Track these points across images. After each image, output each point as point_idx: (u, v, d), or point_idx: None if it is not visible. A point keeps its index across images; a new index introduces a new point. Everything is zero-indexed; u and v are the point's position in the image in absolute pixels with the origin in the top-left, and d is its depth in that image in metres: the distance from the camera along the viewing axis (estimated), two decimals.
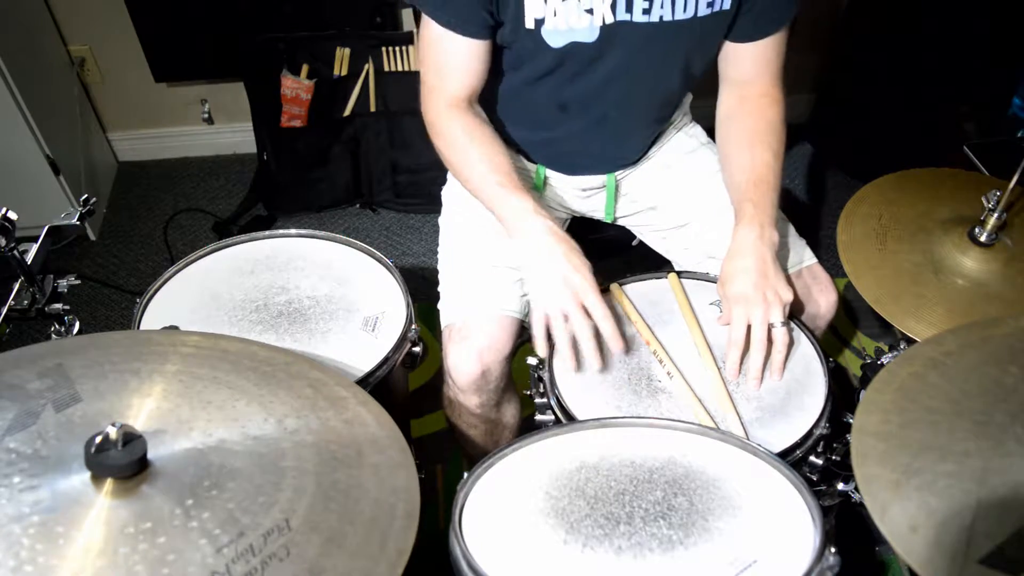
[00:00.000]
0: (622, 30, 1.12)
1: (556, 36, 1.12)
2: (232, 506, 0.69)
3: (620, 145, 1.34)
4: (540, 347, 1.11)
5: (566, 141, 1.31)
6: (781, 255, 1.27)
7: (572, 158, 1.35)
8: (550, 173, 1.37)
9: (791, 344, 1.12)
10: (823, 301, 1.28)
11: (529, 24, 1.11)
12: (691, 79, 1.26)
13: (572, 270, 1.08)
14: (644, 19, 1.11)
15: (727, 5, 1.14)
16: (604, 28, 1.11)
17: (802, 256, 1.30)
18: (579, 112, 1.25)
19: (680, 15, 1.11)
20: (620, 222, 1.47)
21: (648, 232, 1.45)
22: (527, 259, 1.14)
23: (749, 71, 1.26)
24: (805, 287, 1.27)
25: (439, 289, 1.34)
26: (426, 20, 1.15)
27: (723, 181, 1.28)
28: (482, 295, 1.26)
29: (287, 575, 0.65)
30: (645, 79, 1.21)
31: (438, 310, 1.32)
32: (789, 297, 1.12)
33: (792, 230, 1.33)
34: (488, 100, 1.27)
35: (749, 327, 1.09)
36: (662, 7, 1.10)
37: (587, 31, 1.11)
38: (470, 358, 1.21)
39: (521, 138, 1.33)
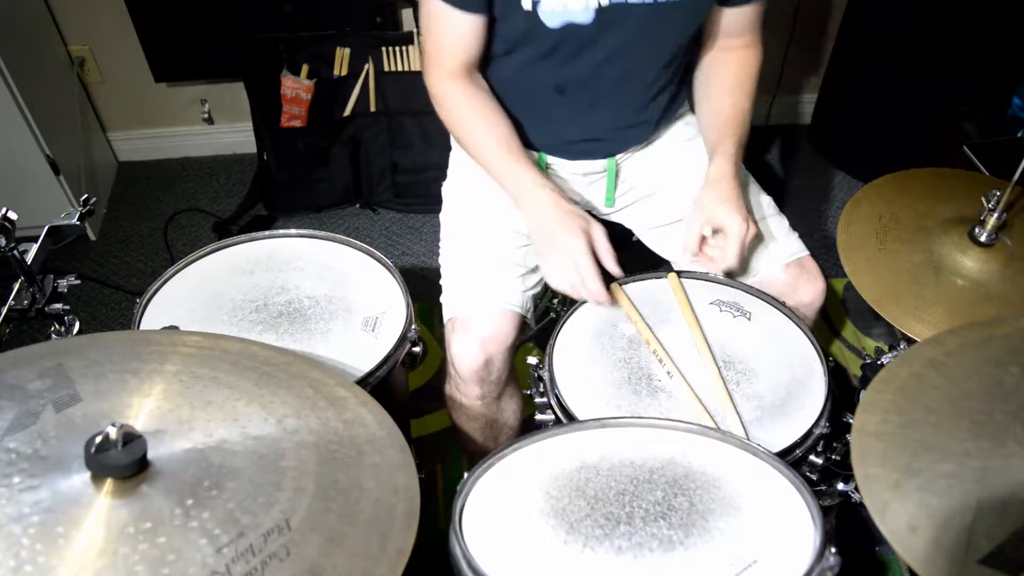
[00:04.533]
0: (618, 12, 1.13)
1: (552, 17, 1.14)
2: (232, 506, 0.69)
3: (619, 124, 1.34)
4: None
5: (565, 124, 1.32)
6: (770, 249, 1.32)
7: (572, 142, 1.36)
8: (551, 159, 1.38)
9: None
10: (811, 289, 1.30)
11: (526, 5, 1.13)
12: (686, 51, 1.30)
13: (579, 253, 1.16)
14: (640, 0, 1.13)
15: None
16: (600, 10, 1.13)
17: (795, 248, 1.32)
18: (577, 93, 1.27)
19: None
20: (618, 215, 1.47)
21: (645, 228, 1.45)
22: (535, 234, 1.22)
23: (734, 28, 1.30)
24: (794, 277, 1.29)
25: (441, 282, 1.35)
26: None
27: (698, 120, 1.36)
28: (485, 290, 1.28)
29: (287, 575, 0.65)
30: (642, 58, 1.24)
31: (440, 304, 1.32)
32: (751, 233, 1.20)
33: (786, 224, 1.35)
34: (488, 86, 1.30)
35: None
36: None
37: (582, 12, 1.13)
38: (472, 347, 1.23)
39: (521, 123, 1.34)
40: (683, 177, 1.38)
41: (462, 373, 1.25)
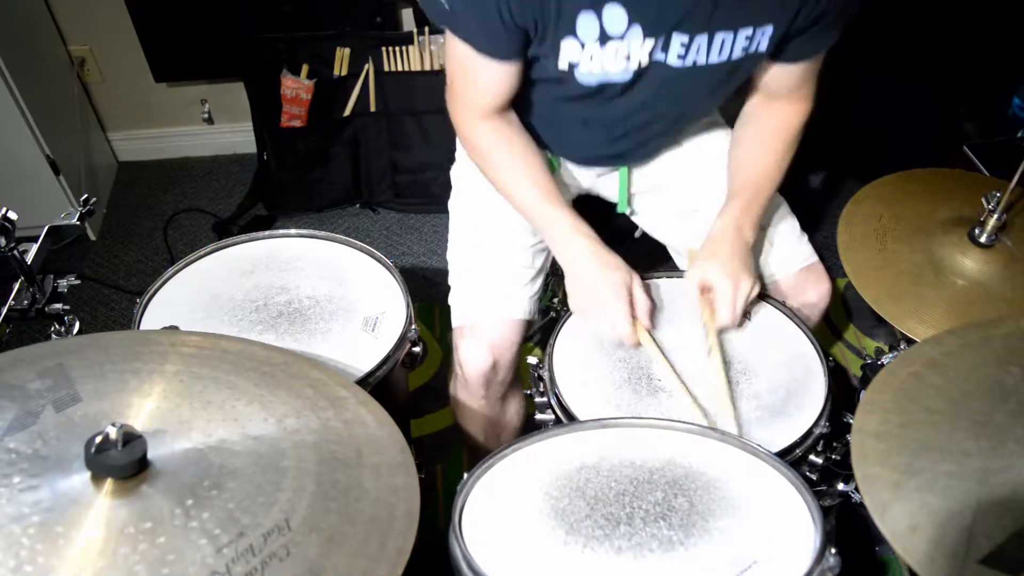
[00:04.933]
0: (656, 69, 1.09)
1: (589, 77, 1.10)
2: (232, 506, 0.69)
3: (638, 152, 1.33)
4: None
5: (584, 146, 1.31)
6: (779, 254, 1.30)
7: (589, 158, 1.35)
8: (565, 162, 1.38)
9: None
10: (817, 290, 1.30)
11: (562, 66, 1.09)
12: (723, 101, 1.26)
13: (612, 301, 1.12)
14: (679, 63, 1.08)
15: (763, 47, 1.09)
16: (639, 70, 1.09)
17: (806, 254, 1.32)
18: (601, 129, 1.25)
19: (715, 59, 1.08)
20: (629, 208, 1.46)
21: (654, 221, 1.44)
22: (572, 282, 1.18)
23: (782, 85, 1.22)
24: (802, 279, 1.29)
25: (449, 281, 1.35)
26: (454, 37, 1.11)
27: (726, 168, 1.29)
28: (493, 298, 1.29)
29: (287, 575, 0.65)
30: (672, 109, 1.21)
31: (440, 304, 1.33)
32: (754, 292, 1.16)
33: (797, 227, 1.34)
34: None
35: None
36: (697, 52, 1.07)
37: (621, 73, 1.09)
38: (481, 351, 1.24)
39: (540, 134, 1.31)
40: (696, 169, 1.36)
41: (469, 376, 1.27)
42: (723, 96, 1.21)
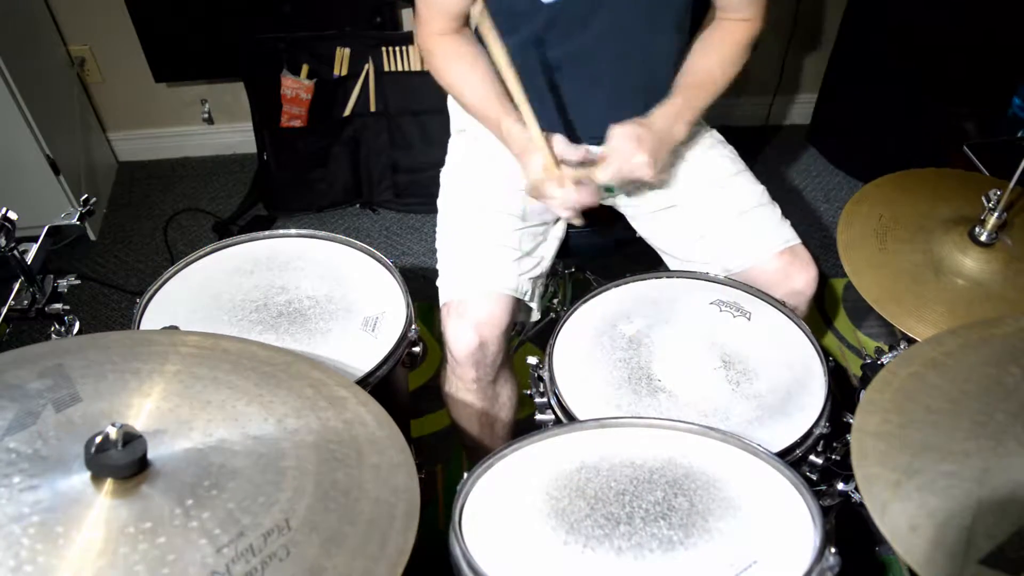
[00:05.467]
0: None
1: None
2: (232, 506, 0.69)
3: (616, 109, 1.33)
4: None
5: (565, 107, 1.33)
6: (758, 235, 1.32)
7: (572, 125, 1.36)
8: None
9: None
10: (802, 277, 1.30)
11: None
12: (682, 36, 1.32)
13: (537, 172, 1.20)
14: None
15: None
16: None
17: (787, 236, 1.33)
18: (573, 72, 1.28)
19: None
20: (610, 201, 1.46)
21: (636, 215, 1.45)
22: (521, 166, 1.25)
23: (729, 5, 1.30)
24: (786, 264, 1.30)
25: (437, 267, 1.36)
26: None
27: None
28: (479, 273, 1.29)
29: (287, 575, 0.65)
30: (637, 37, 1.25)
31: (437, 288, 1.34)
32: (643, 174, 1.20)
33: (778, 212, 1.36)
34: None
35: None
36: None
37: None
38: (467, 331, 1.25)
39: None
40: (675, 165, 1.38)
41: (457, 356, 1.27)
42: (682, 24, 1.29)
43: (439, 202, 1.44)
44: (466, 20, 1.30)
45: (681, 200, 1.38)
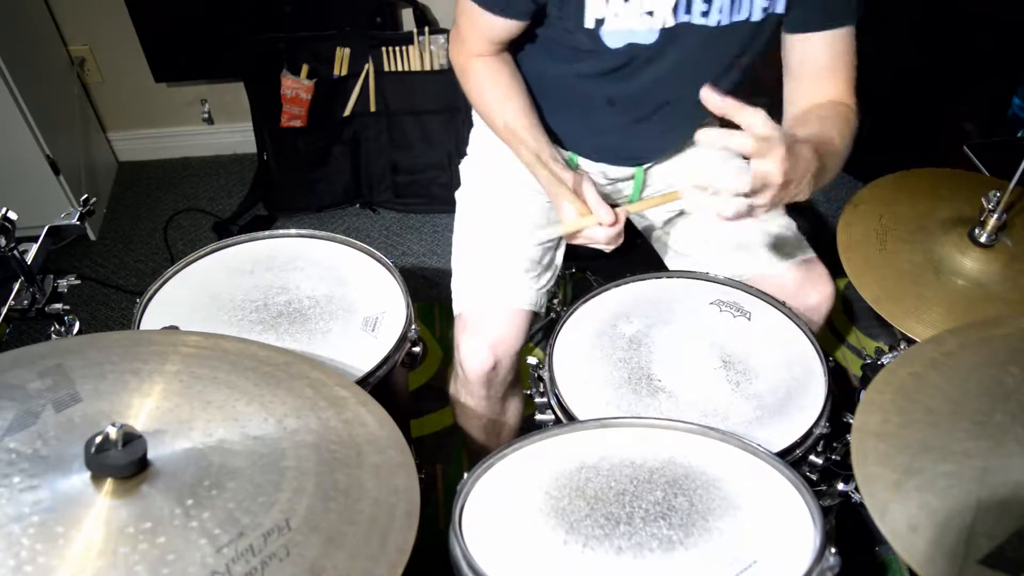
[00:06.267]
0: (681, 31, 1.11)
1: (615, 37, 1.12)
2: (232, 506, 0.69)
3: (660, 141, 1.34)
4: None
5: (609, 135, 1.31)
6: (776, 246, 1.30)
7: (611, 152, 1.35)
8: (581, 161, 1.38)
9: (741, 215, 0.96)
10: (819, 294, 1.30)
11: (589, 24, 1.11)
12: (741, 77, 1.25)
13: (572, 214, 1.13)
14: (703, 21, 1.10)
15: (780, 8, 1.11)
16: (664, 31, 1.11)
17: (803, 249, 1.32)
18: (627, 108, 1.25)
19: (737, 17, 1.11)
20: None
21: (655, 222, 1.45)
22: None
23: (806, 63, 1.17)
24: (802, 279, 1.29)
25: (452, 267, 1.35)
26: None
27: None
28: (495, 288, 1.28)
29: (287, 575, 0.65)
30: (698, 78, 1.19)
31: (441, 304, 1.33)
32: (800, 197, 1.02)
33: (794, 226, 1.35)
34: (536, 86, 1.29)
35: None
36: (720, 11, 1.09)
37: (647, 33, 1.11)
38: (482, 352, 1.23)
39: (562, 127, 1.33)
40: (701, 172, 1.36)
41: (470, 376, 1.26)
42: (739, 69, 1.21)
43: (457, 194, 1.42)
44: (507, 44, 1.25)
45: (723, 237, 1.34)
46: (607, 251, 1.15)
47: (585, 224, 1.10)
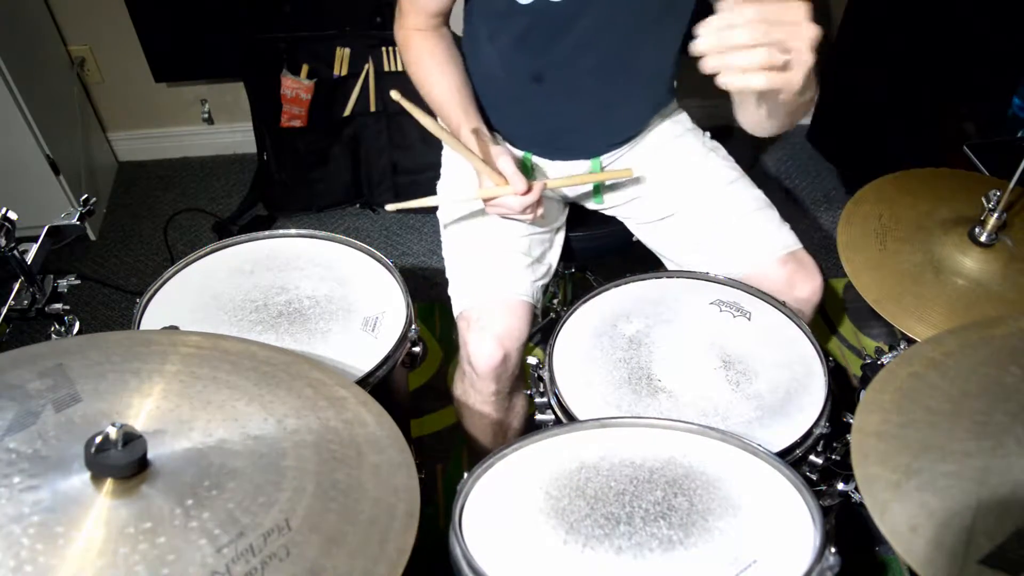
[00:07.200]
0: None
1: None
2: (232, 506, 0.69)
3: (602, 122, 1.33)
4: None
5: (548, 118, 1.32)
6: (761, 240, 1.30)
7: (557, 138, 1.35)
8: (537, 160, 1.38)
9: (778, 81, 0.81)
10: (808, 286, 1.30)
11: None
12: (672, 52, 1.25)
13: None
14: None
15: None
16: None
17: (787, 240, 1.32)
18: (555, 82, 1.26)
19: None
20: (611, 211, 1.47)
21: (638, 225, 1.46)
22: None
23: None
24: (790, 272, 1.29)
25: (447, 275, 1.35)
26: None
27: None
28: (493, 281, 1.28)
29: (287, 575, 0.65)
30: (617, 47, 1.21)
31: (441, 304, 1.33)
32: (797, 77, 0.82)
33: (777, 216, 1.35)
34: (479, 83, 1.31)
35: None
36: None
37: None
38: (491, 345, 1.23)
39: (506, 121, 1.34)
40: (670, 177, 1.38)
41: (480, 371, 1.26)
42: (669, 40, 1.22)
43: (439, 214, 1.44)
44: (446, 19, 1.30)
45: (679, 208, 1.37)
46: (525, 221, 1.23)
47: (501, 192, 1.17)
